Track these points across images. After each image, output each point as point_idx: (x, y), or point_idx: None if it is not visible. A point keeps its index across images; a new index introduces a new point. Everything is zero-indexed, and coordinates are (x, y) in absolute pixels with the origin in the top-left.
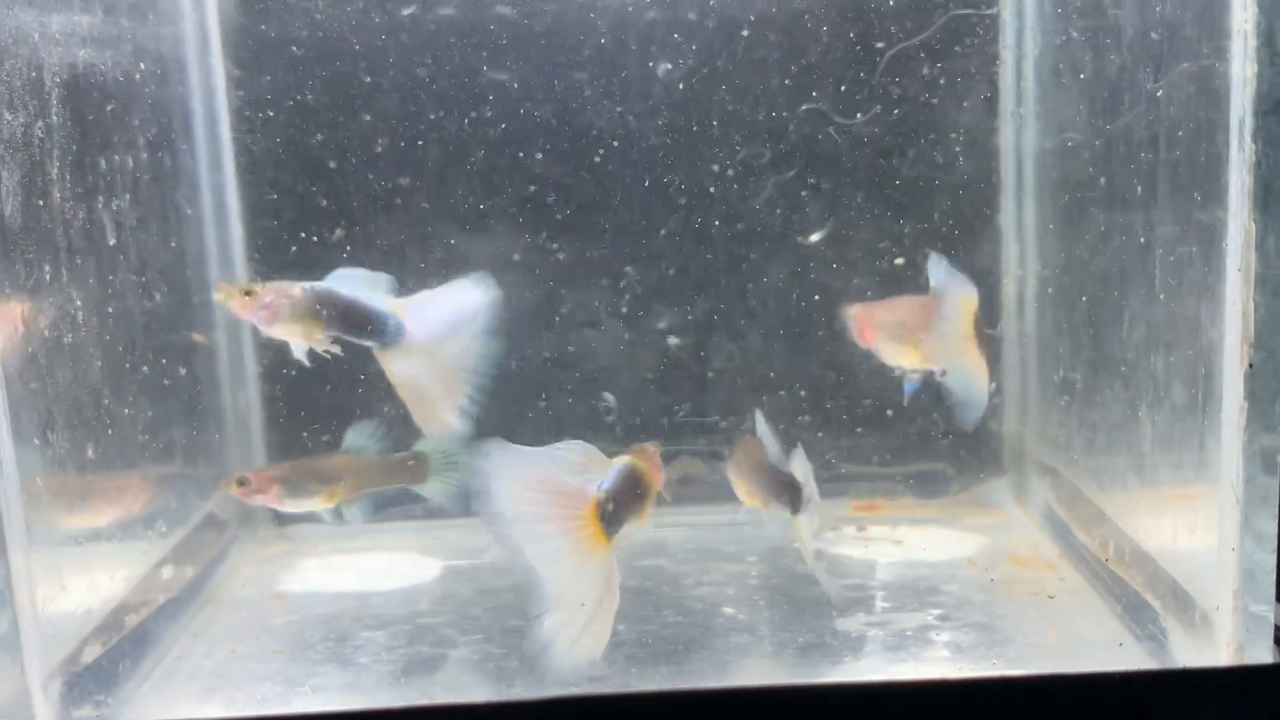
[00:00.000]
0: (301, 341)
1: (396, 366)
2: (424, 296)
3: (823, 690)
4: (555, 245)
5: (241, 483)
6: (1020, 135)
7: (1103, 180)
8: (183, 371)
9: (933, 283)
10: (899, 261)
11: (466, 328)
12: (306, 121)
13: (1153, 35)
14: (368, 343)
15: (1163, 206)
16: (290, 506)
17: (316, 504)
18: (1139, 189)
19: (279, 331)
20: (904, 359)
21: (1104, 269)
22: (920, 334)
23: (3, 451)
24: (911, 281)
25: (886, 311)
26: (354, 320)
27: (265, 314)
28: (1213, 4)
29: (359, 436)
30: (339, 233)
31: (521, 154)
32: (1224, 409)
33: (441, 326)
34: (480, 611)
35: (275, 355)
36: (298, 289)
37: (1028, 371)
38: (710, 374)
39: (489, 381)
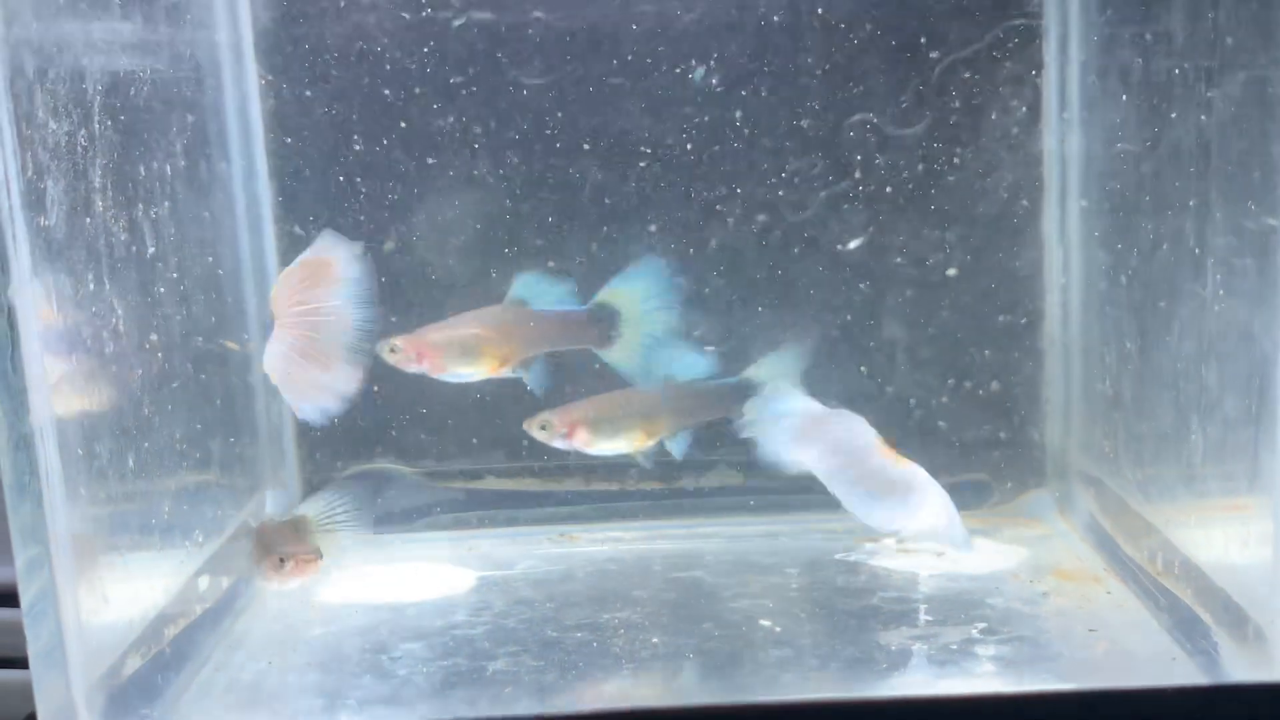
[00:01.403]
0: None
1: None
2: None
3: (873, 705)
4: (592, 251)
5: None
6: (1065, 141)
7: (1151, 188)
8: (218, 381)
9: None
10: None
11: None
12: (340, 127)
13: (1204, 43)
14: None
15: (1214, 215)
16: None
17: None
18: (1189, 197)
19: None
20: (476, 369)
21: (1153, 278)
22: (499, 341)
23: (48, 462)
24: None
25: (443, 331)
26: None
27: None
28: (1269, 14)
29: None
30: (389, 245)
31: (560, 160)
32: (1279, 421)
33: None
34: (515, 623)
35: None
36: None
37: (1071, 381)
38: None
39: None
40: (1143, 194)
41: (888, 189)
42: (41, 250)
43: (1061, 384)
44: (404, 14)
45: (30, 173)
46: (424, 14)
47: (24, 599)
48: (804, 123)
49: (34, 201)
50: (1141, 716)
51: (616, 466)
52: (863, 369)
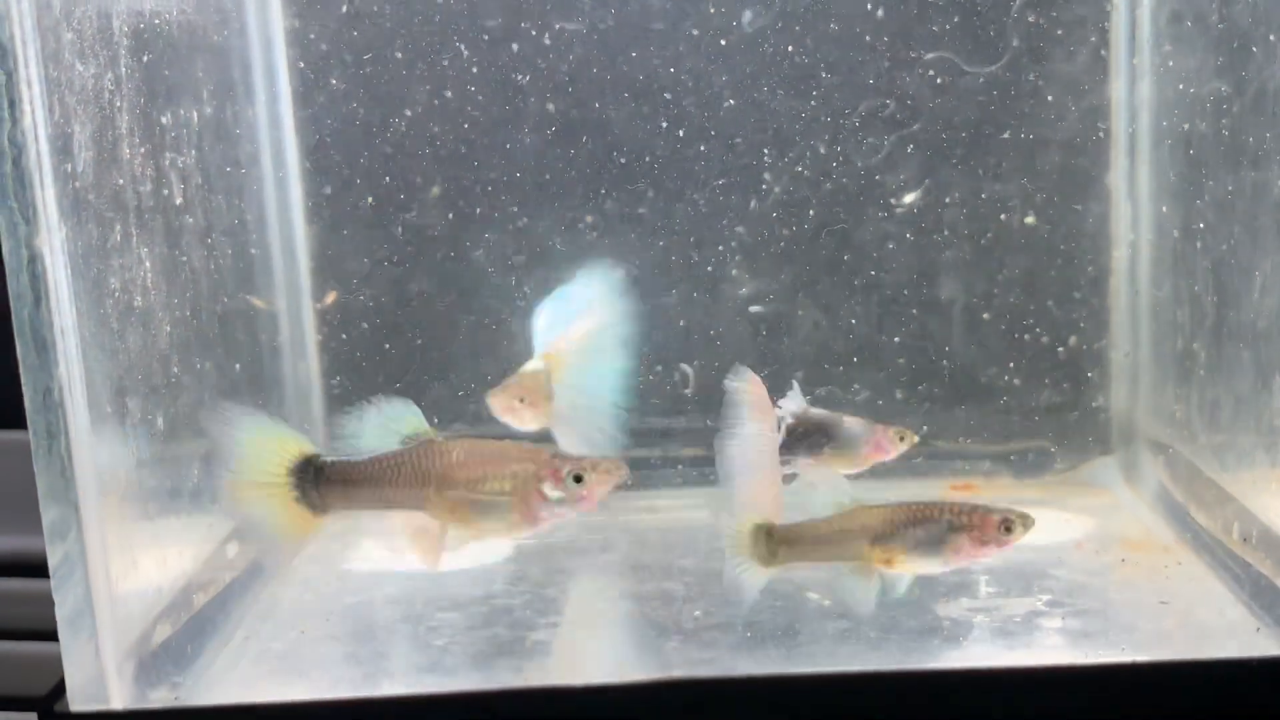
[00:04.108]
0: None
1: None
2: None
3: (938, 676)
4: (631, 210)
5: None
6: (1134, 88)
7: (1230, 136)
8: (245, 339)
9: None
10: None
11: None
12: (367, 74)
13: None
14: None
15: None
16: None
17: None
18: (1273, 145)
19: None
20: None
21: (1232, 231)
22: None
23: (76, 419)
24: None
25: None
26: None
27: None
28: None
29: None
30: (435, 190)
31: (593, 107)
32: None
33: None
34: (556, 593)
35: (335, 324)
36: None
37: (1139, 342)
38: (798, 346)
39: None
40: (1220, 143)
41: (946, 141)
42: (68, 198)
43: (1129, 345)
44: None
45: (57, 115)
46: None
47: (51, 561)
48: (862, 72)
49: (60, 147)
50: (1224, 689)
51: (659, 432)
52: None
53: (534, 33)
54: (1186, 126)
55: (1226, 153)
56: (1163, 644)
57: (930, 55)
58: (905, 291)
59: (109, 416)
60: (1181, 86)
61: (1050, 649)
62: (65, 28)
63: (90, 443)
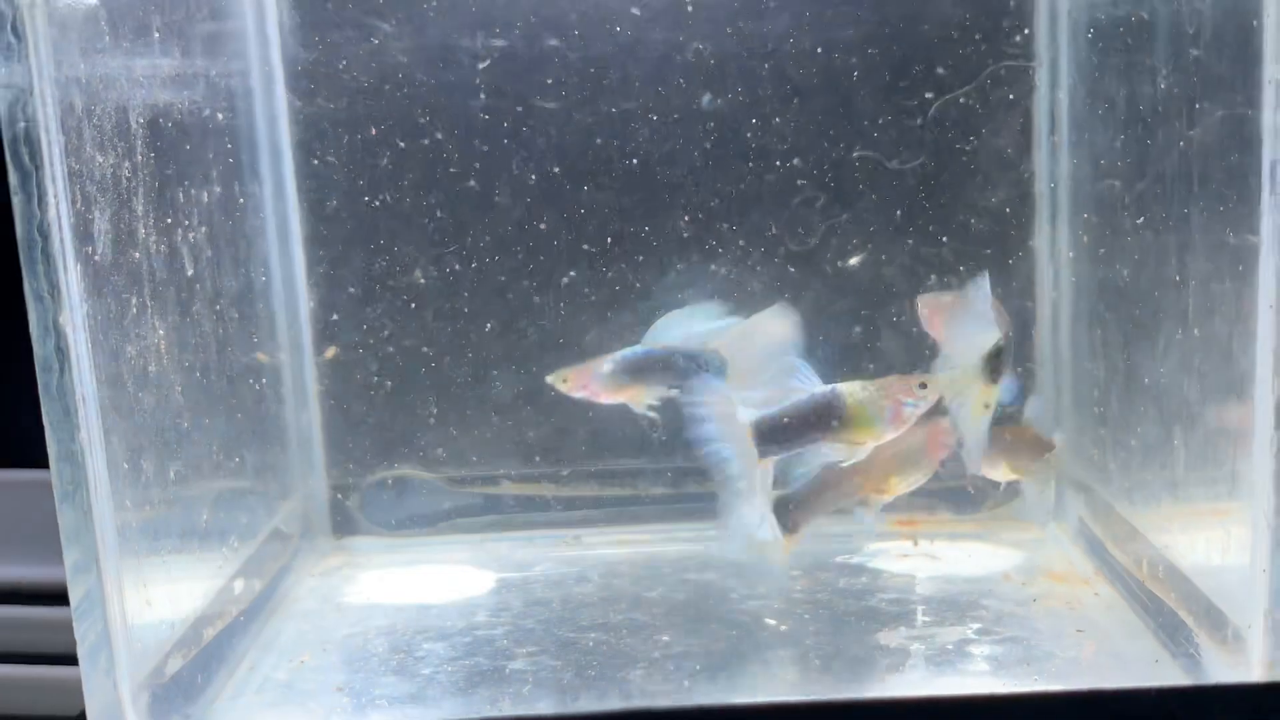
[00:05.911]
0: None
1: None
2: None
3: (872, 705)
4: (606, 269)
5: None
6: (1054, 161)
7: (1136, 209)
8: (250, 393)
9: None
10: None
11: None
12: (365, 149)
13: (1187, 76)
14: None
15: (1195, 238)
16: None
17: None
18: (1172, 220)
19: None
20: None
21: (1139, 295)
22: None
23: (96, 474)
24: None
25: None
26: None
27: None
28: (1245, 56)
29: None
30: (418, 274)
31: (580, 181)
32: (1255, 438)
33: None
34: (533, 624)
35: (334, 376)
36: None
37: (1062, 390)
38: None
39: None
40: (1128, 214)
41: (885, 204)
42: (89, 278)
43: (1053, 393)
44: (427, 39)
45: (79, 205)
46: (445, 41)
47: (72, 599)
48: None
49: (82, 233)
50: (1125, 717)
51: (629, 472)
52: None
53: (530, 109)
54: (1099, 198)
55: (1133, 224)
56: (1075, 672)
57: (857, 153)
58: (851, 347)
59: (126, 471)
60: (1095, 162)
61: (977, 675)
62: (86, 124)
63: (108, 493)
